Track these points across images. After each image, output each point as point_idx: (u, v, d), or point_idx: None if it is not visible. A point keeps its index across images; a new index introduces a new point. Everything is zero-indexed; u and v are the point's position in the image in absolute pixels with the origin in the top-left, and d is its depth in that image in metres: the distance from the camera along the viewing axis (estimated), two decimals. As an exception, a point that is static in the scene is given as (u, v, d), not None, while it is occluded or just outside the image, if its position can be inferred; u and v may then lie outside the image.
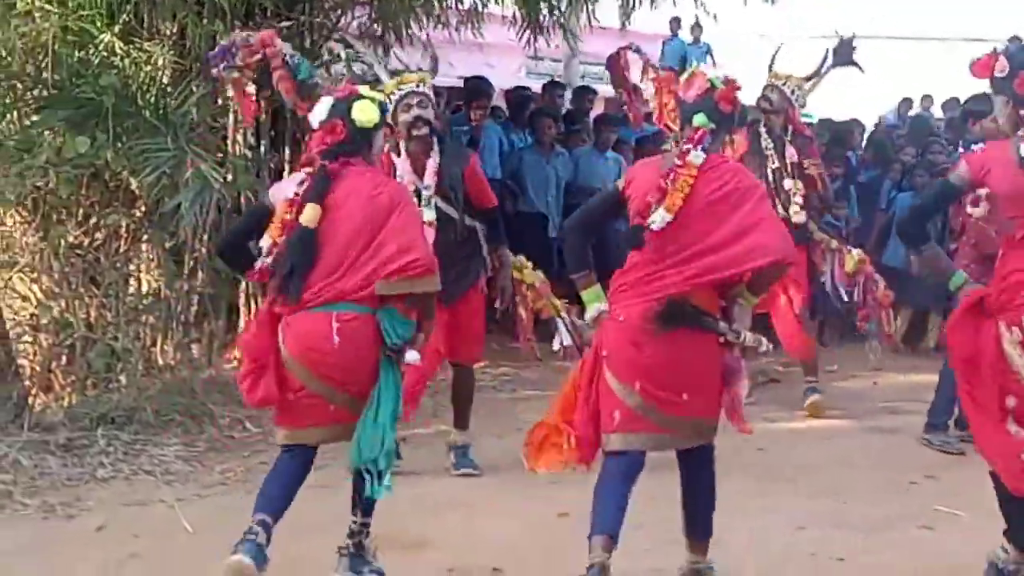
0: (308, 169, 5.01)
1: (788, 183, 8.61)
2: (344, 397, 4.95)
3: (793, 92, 8.65)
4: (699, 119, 5.08)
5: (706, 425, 5.10)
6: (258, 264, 4.96)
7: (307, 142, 9.44)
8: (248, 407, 7.91)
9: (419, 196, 6.58)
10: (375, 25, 9.83)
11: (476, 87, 11.35)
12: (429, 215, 6.54)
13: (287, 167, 9.55)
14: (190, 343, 8.90)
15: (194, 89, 8.40)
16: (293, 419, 5.03)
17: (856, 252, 8.68)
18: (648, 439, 5.02)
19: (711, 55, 9.93)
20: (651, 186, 5.02)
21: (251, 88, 8.13)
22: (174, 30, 8.73)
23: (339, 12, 9.64)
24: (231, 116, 9.05)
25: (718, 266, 4.95)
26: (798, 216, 8.53)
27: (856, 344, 9.89)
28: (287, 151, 9.56)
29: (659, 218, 4.92)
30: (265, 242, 4.93)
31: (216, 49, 6.55)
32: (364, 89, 5.19)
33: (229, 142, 9.09)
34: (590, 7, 10.41)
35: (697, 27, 14.34)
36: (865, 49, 8.81)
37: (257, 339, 5.04)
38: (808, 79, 8.68)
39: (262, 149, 9.33)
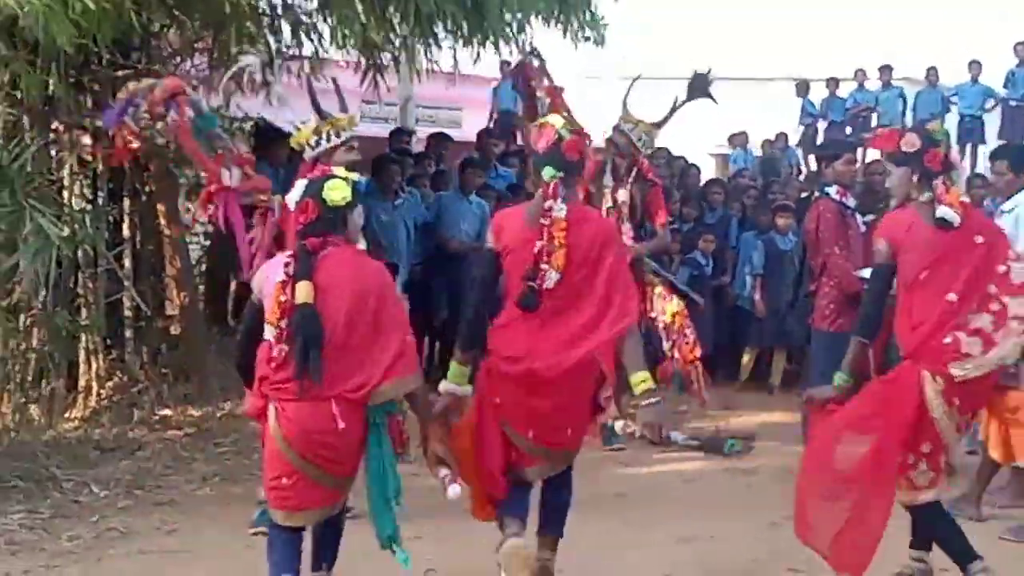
0: (289, 252, 5.01)
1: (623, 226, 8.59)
2: (332, 479, 5.02)
3: (640, 139, 8.56)
4: (547, 172, 5.29)
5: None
6: (274, 353, 4.86)
7: (149, 194, 9.36)
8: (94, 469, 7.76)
9: None
10: (214, 71, 9.60)
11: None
12: None
13: (126, 218, 9.32)
14: (28, 404, 8.55)
15: (28, 141, 8.12)
16: (288, 503, 5.03)
17: (676, 302, 8.38)
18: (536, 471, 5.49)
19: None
20: (522, 239, 5.24)
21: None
22: (6, 80, 8.40)
23: (178, 59, 9.41)
24: (67, 168, 8.78)
25: (591, 340, 5.21)
26: None
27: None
28: (126, 202, 9.33)
29: (551, 278, 5.16)
30: (270, 332, 4.89)
31: (116, 106, 6.30)
32: (338, 169, 5.33)
33: (66, 195, 8.80)
34: (432, 51, 10.35)
35: (532, 70, 14.38)
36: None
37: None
38: (657, 126, 8.59)
39: (100, 201, 9.07)
